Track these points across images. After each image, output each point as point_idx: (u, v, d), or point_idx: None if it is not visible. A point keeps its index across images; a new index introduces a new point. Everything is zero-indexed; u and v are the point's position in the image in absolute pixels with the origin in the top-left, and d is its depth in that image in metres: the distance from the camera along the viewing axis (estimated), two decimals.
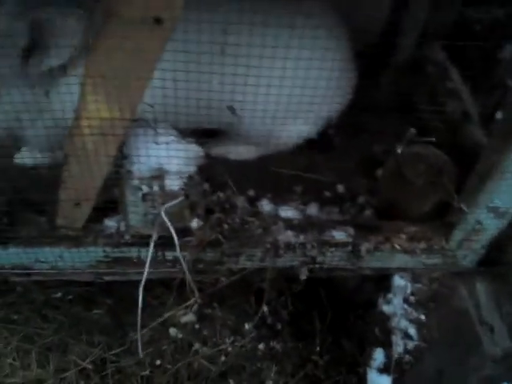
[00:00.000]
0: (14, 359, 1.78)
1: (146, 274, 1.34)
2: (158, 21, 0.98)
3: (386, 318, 1.73)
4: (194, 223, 1.38)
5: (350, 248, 1.46)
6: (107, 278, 1.49)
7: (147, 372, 1.80)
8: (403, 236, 1.47)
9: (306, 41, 1.20)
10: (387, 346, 1.73)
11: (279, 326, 1.96)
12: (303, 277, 1.48)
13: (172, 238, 1.31)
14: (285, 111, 1.39)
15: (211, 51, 1.22)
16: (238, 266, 1.46)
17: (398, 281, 1.72)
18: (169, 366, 1.83)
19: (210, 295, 1.66)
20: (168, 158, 1.32)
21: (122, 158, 1.31)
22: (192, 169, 1.43)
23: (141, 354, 1.61)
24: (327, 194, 1.57)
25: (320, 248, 1.44)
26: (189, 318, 1.90)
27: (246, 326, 1.96)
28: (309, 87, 1.29)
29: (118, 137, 1.17)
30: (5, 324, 1.83)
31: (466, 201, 1.38)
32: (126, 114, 1.12)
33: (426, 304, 1.69)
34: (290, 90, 1.26)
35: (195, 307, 1.63)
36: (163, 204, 1.31)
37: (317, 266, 1.49)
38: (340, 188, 1.58)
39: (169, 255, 1.41)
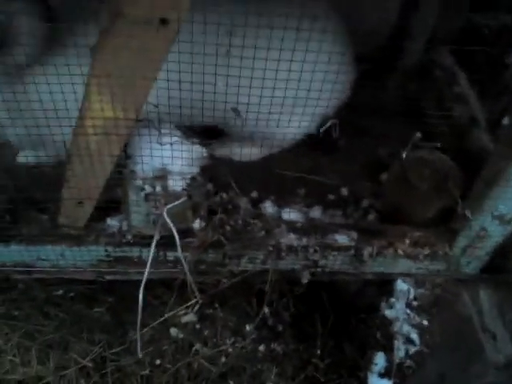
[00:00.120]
0: (14, 356, 1.79)
1: (146, 274, 1.33)
2: (163, 21, 0.97)
3: (388, 323, 1.73)
4: (196, 224, 1.37)
5: (352, 252, 1.45)
6: (108, 277, 1.49)
7: (147, 371, 1.81)
8: (407, 241, 1.46)
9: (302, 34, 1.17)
10: (389, 350, 1.73)
11: (280, 328, 1.96)
12: (305, 280, 1.47)
13: (174, 238, 1.31)
14: (284, 108, 1.36)
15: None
16: (240, 268, 1.45)
17: (401, 285, 1.71)
18: (169, 366, 1.83)
19: (211, 296, 1.66)
20: (171, 158, 1.32)
21: (125, 157, 1.30)
22: (195, 170, 1.42)
23: (140, 355, 1.61)
24: (331, 196, 1.56)
25: (322, 251, 1.43)
26: (190, 318, 1.90)
27: (247, 327, 1.96)
28: (306, 80, 1.25)
29: (122, 137, 1.16)
30: (6, 320, 1.84)
31: (471, 207, 1.37)
32: (130, 114, 1.11)
33: (428, 309, 1.69)
34: (288, 85, 1.24)
35: (196, 307, 1.63)
36: (166, 204, 1.31)
37: (319, 269, 1.48)
38: (344, 191, 1.57)
39: (170, 256, 1.41)
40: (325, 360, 1.91)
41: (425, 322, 1.69)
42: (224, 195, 1.43)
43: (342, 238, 1.45)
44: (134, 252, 1.40)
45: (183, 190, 1.38)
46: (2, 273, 1.42)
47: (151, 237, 1.33)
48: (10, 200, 1.37)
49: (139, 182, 1.36)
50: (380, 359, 1.75)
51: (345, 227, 1.47)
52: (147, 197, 1.34)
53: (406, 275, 1.59)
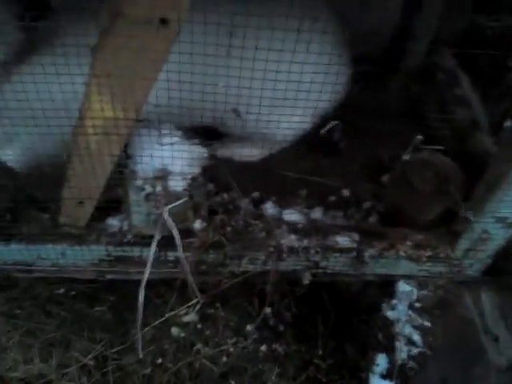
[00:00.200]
0: (16, 354, 1.79)
1: (147, 274, 1.34)
2: (163, 21, 0.97)
3: (389, 324, 1.72)
4: (197, 224, 1.37)
5: (354, 254, 1.45)
6: (109, 277, 1.49)
7: (148, 371, 1.81)
8: (408, 243, 1.46)
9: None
10: (390, 351, 1.72)
11: (282, 328, 1.95)
12: (306, 281, 1.47)
13: (174, 238, 1.31)
14: (281, 106, 1.35)
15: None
16: (241, 268, 1.45)
17: (403, 286, 1.71)
18: (170, 365, 1.83)
19: (212, 295, 1.65)
20: (172, 158, 1.32)
21: (125, 157, 1.31)
22: (196, 170, 1.42)
23: (141, 354, 1.61)
24: (332, 198, 1.55)
25: (323, 253, 1.43)
26: (191, 317, 1.90)
27: (249, 328, 1.95)
28: (304, 81, 1.24)
29: (122, 137, 1.17)
30: (8, 319, 1.85)
31: (473, 209, 1.36)
32: (130, 114, 1.11)
33: (431, 311, 1.68)
34: (284, 83, 1.23)
35: (197, 307, 1.63)
36: (166, 204, 1.31)
37: (320, 270, 1.48)
38: (345, 192, 1.56)
39: (171, 256, 1.41)
40: (326, 361, 1.90)
41: (427, 324, 1.68)
42: (225, 195, 1.43)
43: (343, 240, 1.45)
44: (135, 252, 1.40)
45: (184, 190, 1.38)
46: (3, 271, 1.43)
47: (152, 237, 1.33)
48: (11, 199, 1.38)
49: (140, 182, 1.36)
50: (382, 360, 1.75)
51: (346, 229, 1.47)
52: (148, 197, 1.34)
53: (407, 277, 1.58)
